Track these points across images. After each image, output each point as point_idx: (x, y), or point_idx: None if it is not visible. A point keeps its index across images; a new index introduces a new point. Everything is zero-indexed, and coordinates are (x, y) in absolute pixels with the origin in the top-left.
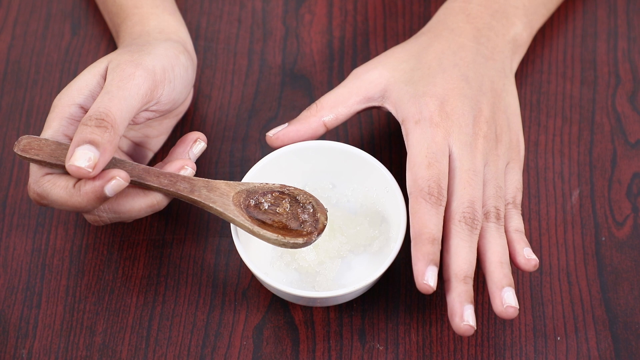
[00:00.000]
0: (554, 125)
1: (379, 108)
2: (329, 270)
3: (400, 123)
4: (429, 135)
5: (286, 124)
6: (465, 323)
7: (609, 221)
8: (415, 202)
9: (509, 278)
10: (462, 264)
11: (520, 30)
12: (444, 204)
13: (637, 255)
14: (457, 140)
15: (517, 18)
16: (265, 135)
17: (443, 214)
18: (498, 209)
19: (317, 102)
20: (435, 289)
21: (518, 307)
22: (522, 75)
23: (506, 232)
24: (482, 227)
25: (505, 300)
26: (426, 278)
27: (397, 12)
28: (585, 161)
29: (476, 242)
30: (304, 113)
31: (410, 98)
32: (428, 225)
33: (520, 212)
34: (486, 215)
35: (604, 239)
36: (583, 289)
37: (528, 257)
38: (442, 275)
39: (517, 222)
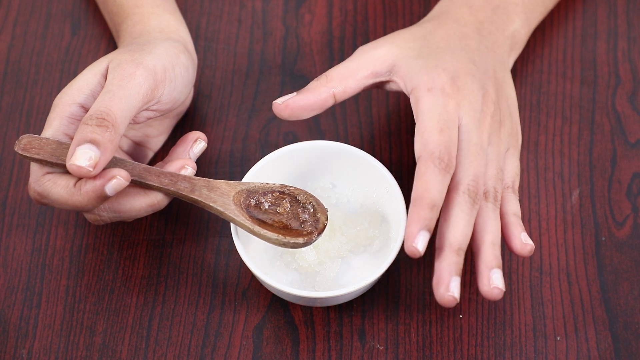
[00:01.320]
0: (554, 125)
1: (386, 83)
2: (329, 270)
3: (409, 92)
4: (441, 103)
5: (294, 92)
6: (450, 294)
7: (609, 221)
8: (424, 165)
9: (499, 260)
10: (458, 235)
11: (519, 28)
12: (451, 172)
13: (637, 255)
14: (467, 113)
15: (516, 15)
16: (273, 105)
17: (448, 183)
18: (497, 191)
19: (326, 73)
20: (422, 254)
21: (504, 289)
22: (522, 75)
23: (503, 215)
24: (480, 206)
25: (493, 280)
26: (416, 241)
27: (397, 12)
28: (585, 161)
29: (474, 217)
30: (313, 83)
31: (422, 68)
32: (432, 190)
33: (518, 197)
34: (485, 194)
35: (604, 239)
36: (583, 289)
37: (525, 242)
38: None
39: (514, 206)
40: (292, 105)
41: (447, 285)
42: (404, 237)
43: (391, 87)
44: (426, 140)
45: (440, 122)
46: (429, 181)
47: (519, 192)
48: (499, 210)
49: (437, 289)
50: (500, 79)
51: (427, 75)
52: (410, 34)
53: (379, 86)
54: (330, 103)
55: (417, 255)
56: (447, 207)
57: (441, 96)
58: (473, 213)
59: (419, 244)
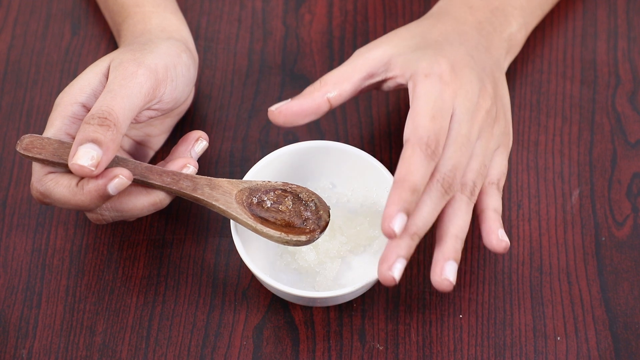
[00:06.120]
0: (554, 125)
1: (383, 82)
2: (329, 270)
3: (407, 80)
4: (437, 90)
5: (289, 99)
6: (390, 273)
7: (609, 221)
8: (411, 148)
9: (458, 254)
10: (417, 220)
11: (515, 31)
12: (436, 160)
13: (637, 255)
14: (462, 103)
15: (514, 18)
16: (268, 112)
17: (432, 170)
18: (475, 185)
19: (320, 78)
20: (397, 236)
21: (454, 283)
22: (522, 75)
23: (484, 209)
24: (453, 196)
25: (446, 272)
26: (393, 223)
27: (397, 12)
28: (585, 161)
29: (441, 207)
30: (308, 89)
31: (420, 57)
32: (415, 173)
33: (501, 195)
34: (462, 186)
35: (604, 239)
36: (583, 289)
37: (501, 238)
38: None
39: (496, 202)
40: (285, 111)
41: (390, 266)
42: (382, 217)
43: (389, 85)
44: (417, 125)
45: (434, 108)
46: (413, 164)
47: (519, 192)
48: (472, 205)
49: (380, 266)
50: (497, 78)
51: (425, 62)
52: (407, 32)
53: (377, 87)
54: (325, 108)
55: (393, 237)
56: None
57: (438, 83)
58: (441, 203)
59: (396, 226)
